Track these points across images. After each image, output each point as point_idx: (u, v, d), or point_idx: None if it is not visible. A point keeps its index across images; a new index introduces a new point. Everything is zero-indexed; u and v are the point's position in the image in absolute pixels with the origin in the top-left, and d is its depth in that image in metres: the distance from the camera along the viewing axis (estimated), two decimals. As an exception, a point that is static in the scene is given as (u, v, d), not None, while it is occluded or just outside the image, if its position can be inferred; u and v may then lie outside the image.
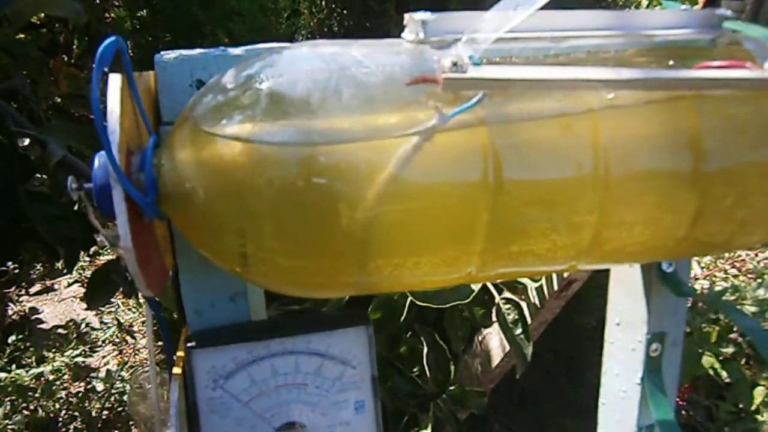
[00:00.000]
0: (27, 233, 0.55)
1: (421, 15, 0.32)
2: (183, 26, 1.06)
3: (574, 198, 0.31)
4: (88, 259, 2.53)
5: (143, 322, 2.31)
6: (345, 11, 0.87)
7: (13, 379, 1.94)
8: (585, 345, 1.13)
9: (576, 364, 1.20)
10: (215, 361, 0.38)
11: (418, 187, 0.30)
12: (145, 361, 2.13)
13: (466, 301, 0.62)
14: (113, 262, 0.60)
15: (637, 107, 0.32)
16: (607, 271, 0.75)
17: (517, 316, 0.67)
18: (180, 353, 0.39)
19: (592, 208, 0.31)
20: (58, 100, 0.62)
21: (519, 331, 0.66)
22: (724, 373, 1.63)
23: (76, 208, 0.55)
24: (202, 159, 0.28)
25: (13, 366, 2.04)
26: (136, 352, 2.18)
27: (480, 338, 0.89)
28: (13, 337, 2.18)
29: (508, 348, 0.83)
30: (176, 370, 0.38)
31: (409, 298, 0.63)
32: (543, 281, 0.72)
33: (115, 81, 0.30)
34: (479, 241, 0.30)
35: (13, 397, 1.93)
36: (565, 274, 0.71)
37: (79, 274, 2.52)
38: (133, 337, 2.18)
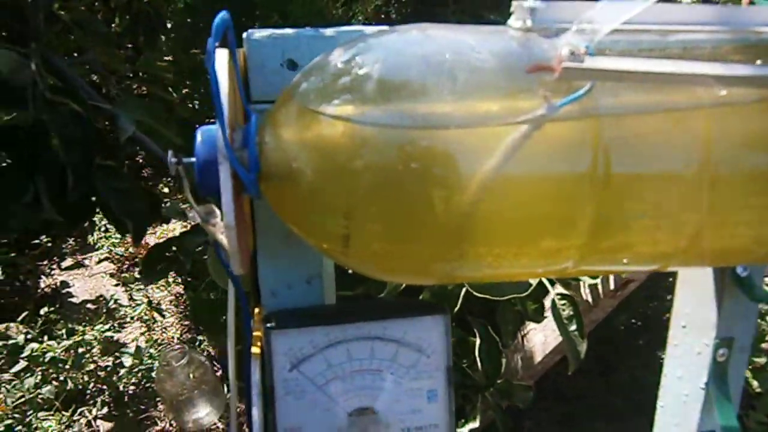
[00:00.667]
0: (95, 205, 0.55)
1: (530, 2, 0.31)
2: (236, 6, 1.06)
3: (681, 195, 0.30)
4: (119, 235, 2.56)
5: (171, 301, 2.34)
6: (403, -1, 0.87)
7: (44, 349, 1.97)
8: (622, 346, 1.12)
9: (612, 365, 1.19)
10: (293, 344, 0.38)
11: (524, 177, 0.29)
12: (172, 339, 2.15)
13: (524, 294, 0.61)
14: (174, 239, 0.61)
15: (748, 105, 0.31)
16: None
17: (572, 313, 0.66)
18: (257, 333, 0.39)
19: (698, 206, 0.30)
20: (131, 75, 0.62)
21: (573, 327, 0.66)
22: (755, 383, 1.61)
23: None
24: (312, 138, 0.28)
25: (45, 337, 2.07)
26: (164, 330, 2.20)
27: (523, 334, 0.88)
28: (45, 309, 2.22)
29: (552, 345, 0.82)
30: (254, 350, 0.38)
31: (464, 289, 0.63)
32: (599, 279, 0.71)
33: (222, 56, 0.30)
34: (582, 234, 0.30)
35: (44, 368, 1.97)
36: (623, 275, 0.71)
37: (110, 251, 2.56)
38: (162, 315, 2.20)
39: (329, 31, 0.37)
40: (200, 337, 2.11)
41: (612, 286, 0.71)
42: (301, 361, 0.38)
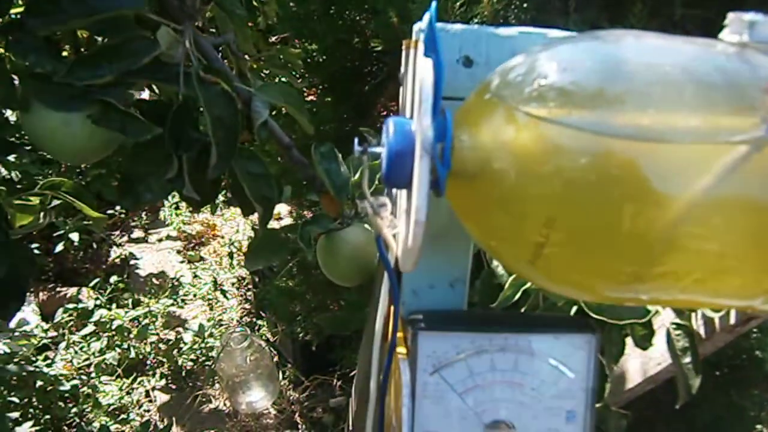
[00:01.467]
0: (224, 187, 0.56)
1: (750, 16, 0.29)
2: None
3: None
4: (188, 213, 2.63)
5: (233, 284, 2.38)
6: (525, 4, 0.85)
7: (112, 317, 2.04)
8: (704, 381, 1.06)
9: (690, 400, 1.14)
10: (437, 347, 0.37)
11: (735, 202, 0.27)
12: (232, 321, 2.19)
13: (642, 321, 0.59)
14: (290, 227, 0.61)
15: None
16: None
17: (687, 344, 0.63)
18: (400, 333, 0.38)
19: None
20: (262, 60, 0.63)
21: (688, 360, 0.63)
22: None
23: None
24: (517, 139, 0.27)
25: (114, 305, 2.14)
26: (225, 311, 2.24)
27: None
28: (115, 278, 2.29)
29: (650, 373, 0.79)
30: (401, 349, 0.37)
31: (575, 307, 0.61)
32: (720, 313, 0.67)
33: (422, 48, 0.29)
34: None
35: (110, 335, 2.03)
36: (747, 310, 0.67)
37: (177, 229, 2.62)
38: (226, 297, 2.25)
39: (508, 31, 0.36)
40: (260, 322, 2.14)
41: (732, 321, 0.67)
42: (444, 365, 0.37)
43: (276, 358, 2.06)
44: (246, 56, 0.59)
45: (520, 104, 0.27)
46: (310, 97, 1.43)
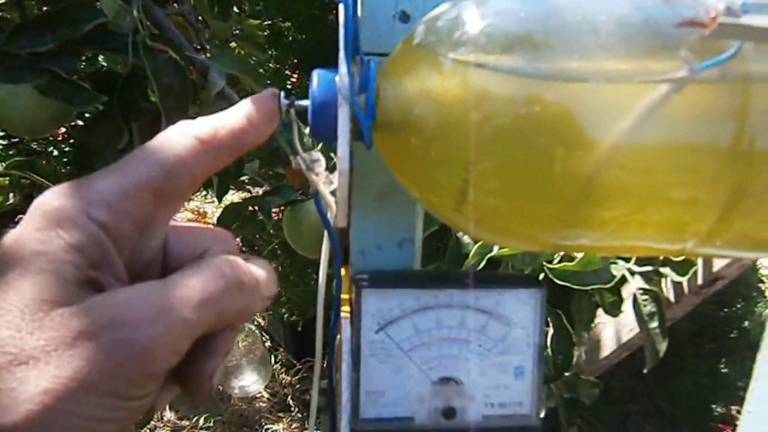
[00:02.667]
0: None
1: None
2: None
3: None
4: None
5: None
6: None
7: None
8: (685, 350, 1.07)
9: (671, 369, 1.15)
10: (382, 304, 0.37)
11: (658, 142, 0.27)
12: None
13: (607, 286, 0.59)
14: (253, 198, 0.61)
15: None
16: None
17: (654, 309, 0.63)
18: (345, 295, 0.38)
19: None
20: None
21: (654, 324, 0.63)
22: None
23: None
24: (437, 86, 0.27)
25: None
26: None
27: (592, 326, 0.86)
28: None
29: (624, 340, 0.79)
30: (345, 308, 0.37)
31: (542, 275, 0.61)
32: (687, 275, 0.67)
33: (346, -2, 0.29)
34: (716, 210, 0.28)
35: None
36: (713, 269, 0.67)
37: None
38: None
39: (444, -15, 0.36)
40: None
41: (699, 282, 0.67)
42: (389, 323, 0.37)
43: (268, 343, 2.07)
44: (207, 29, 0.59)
45: (445, 50, 0.27)
46: (294, 78, 1.42)
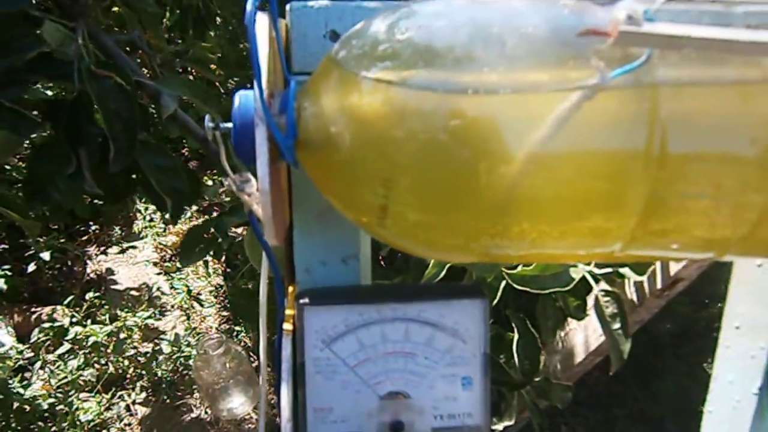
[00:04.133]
0: (137, 183, 0.56)
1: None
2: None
3: (744, 177, 0.28)
4: (163, 225, 2.62)
5: (210, 292, 2.37)
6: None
7: (87, 333, 2.02)
8: (665, 352, 1.08)
9: (653, 371, 1.15)
10: (326, 321, 0.37)
11: (573, 151, 0.27)
12: (210, 329, 2.18)
13: (566, 289, 0.59)
14: (212, 220, 0.61)
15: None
16: (701, 277, 0.69)
17: (616, 310, 0.63)
18: (289, 311, 0.38)
19: (763, 189, 0.28)
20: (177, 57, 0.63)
21: (617, 326, 0.63)
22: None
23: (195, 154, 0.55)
24: (352, 104, 0.27)
25: (89, 321, 2.12)
26: (203, 319, 2.24)
27: (563, 334, 0.86)
28: (91, 294, 2.28)
29: (594, 346, 0.80)
30: (287, 326, 0.37)
31: (503, 282, 0.61)
32: (646, 277, 0.68)
33: (263, 20, 0.29)
34: (634, 215, 0.28)
35: (87, 351, 2.02)
36: (672, 272, 0.67)
37: (154, 240, 2.61)
38: (201, 305, 2.24)
39: (373, 3, 0.36)
40: (237, 328, 2.13)
41: (659, 285, 0.68)
42: (334, 339, 0.37)
43: (255, 363, 2.06)
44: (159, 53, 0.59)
45: (360, 69, 0.27)
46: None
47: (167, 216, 0.53)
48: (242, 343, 2.09)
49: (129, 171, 0.51)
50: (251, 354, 2.07)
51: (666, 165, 0.28)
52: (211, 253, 0.87)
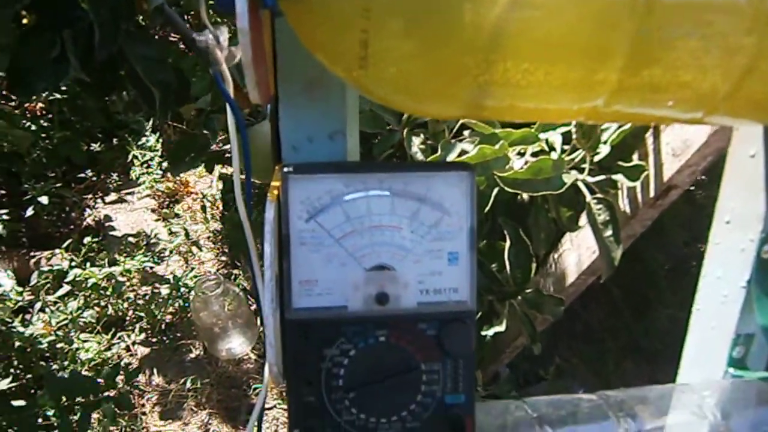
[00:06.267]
0: (124, 78, 0.55)
1: None
2: None
3: (735, 15, 0.27)
4: (160, 172, 2.61)
5: (208, 237, 2.37)
6: None
7: (87, 276, 2.03)
8: (659, 284, 1.08)
9: (647, 304, 1.16)
10: (311, 192, 0.37)
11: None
12: (209, 272, 2.19)
13: (557, 191, 0.59)
14: (198, 136, 0.60)
15: None
16: (693, 205, 0.69)
17: (608, 218, 0.63)
18: (275, 183, 0.38)
19: (752, 29, 0.28)
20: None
21: (609, 233, 0.63)
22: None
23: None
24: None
25: (88, 265, 2.13)
26: (202, 263, 2.25)
27: (556, 256, 0.86)
28: (89, 239, 2.29)
29: (586, 264, 0.80)
30: (271, 196, 0.37)
31: (496, 189, 0.60)
32: (638, 184, 0.67)
33: None
34: (621, 55, 0.27)
35: (86, 293, 2.04)
36: (666, 177, 0.66)
37: (151, 187, 2.60)
38: (200, 248, 2.25)
39: None
40: (236, 272, 2.14)
41: (652, 194, 0.67)
42: (319, 211, 0.37)
43: (254, 306, 2.07)
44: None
45: None
46: None
47: (156, 114, 0.52)
48: (240, 286, 2.10)
49: (116, 64, 0.50)
50: (249, 297, 2.08)
51: (653, 8, 0.27)
52: (203, 163, 0.86)
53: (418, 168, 0.38)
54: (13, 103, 2.16)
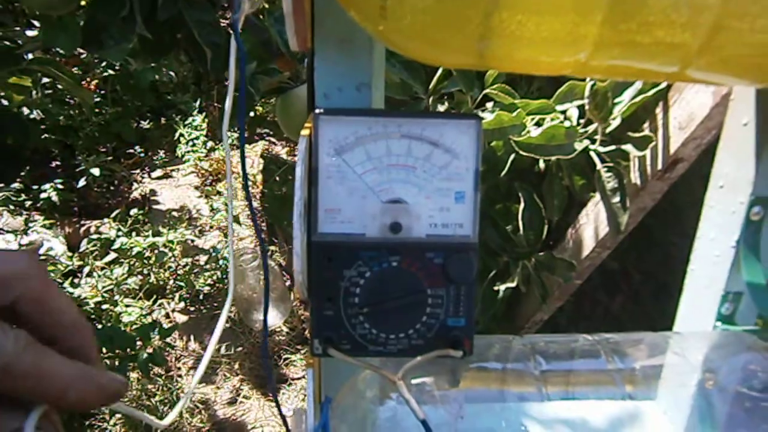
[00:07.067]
0: (181, 41, 0.62)
1: None
2: None
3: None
4: (204, 150, 2.71)
5: (248, 215, 2.46)
6: None
7: (132, 245, 2.14)
8: (678, 269, 1.11)
9: (666, 289, 1.18)
10: (338, 132, 0.42)
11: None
12: (248, 248, 2.28)
13: (568, 157, 0.63)
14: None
15: None
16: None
17: (616, 185, 0.67)
18: (308, 123, 0.44)
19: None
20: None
21: (617, 199, 0.67)
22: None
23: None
24: None
25: (133, 234, 2.25)
26: (240, 239, 2.34)
27: (573, 231, 0.90)
28: (135, 211, 2.40)
29: (600, 236, 0.84)
30: (304, 131, 0.43)
31: (512, 156, 0.65)
32: (648, 156, 0.71)
33: None
34: (600, 10, 0.32)
35: (131, 261, 2.15)
36: (672, 150, 0.70)
37: (195, 165, 2.71)
38: (239, 224, 2.34)
39: None
40: (272, 248, 2.23)
41: (660, 166, 0.71)
42: (344, 149, 0.43)
43: (288, 282, 2.15)
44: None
45: None
46: None
47: (208, 72, 0.59)
48: (276, 262, 2.18)
49: (174, 27, 0.56)
50: (284, 273, 2.16)
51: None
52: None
53: (432, 116, 0.43)
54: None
